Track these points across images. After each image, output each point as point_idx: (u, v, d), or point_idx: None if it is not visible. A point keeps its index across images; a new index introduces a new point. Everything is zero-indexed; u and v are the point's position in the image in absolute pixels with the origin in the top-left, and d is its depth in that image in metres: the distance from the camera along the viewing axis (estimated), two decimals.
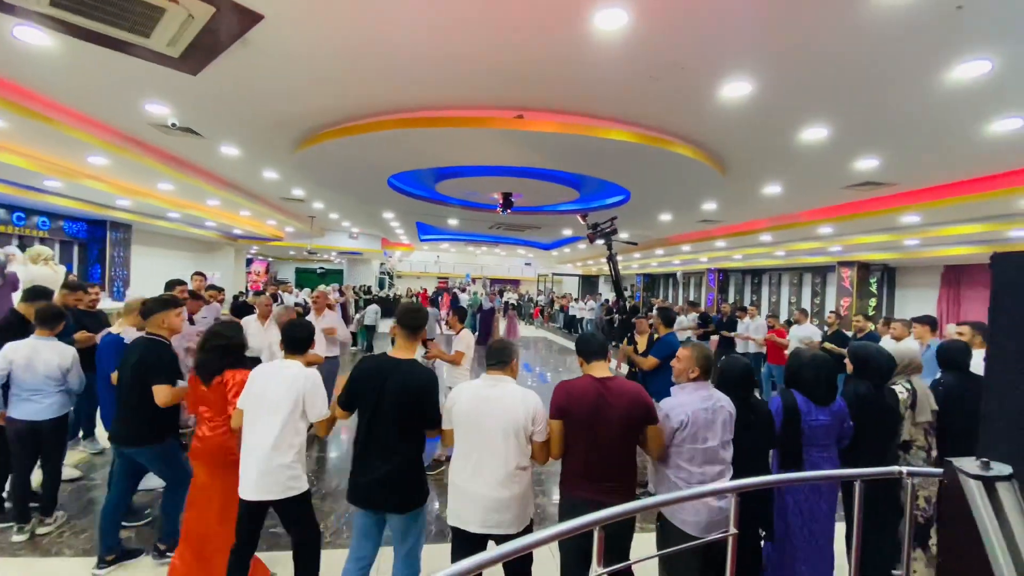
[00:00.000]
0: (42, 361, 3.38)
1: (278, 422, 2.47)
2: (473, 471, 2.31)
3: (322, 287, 10.95)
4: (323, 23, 3.39)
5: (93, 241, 11.77)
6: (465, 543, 2.31)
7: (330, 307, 5.99)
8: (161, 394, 2.96)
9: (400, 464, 2.38)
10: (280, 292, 11.93)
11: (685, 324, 10.45)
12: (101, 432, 4.70)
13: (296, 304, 11.82)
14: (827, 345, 6.84)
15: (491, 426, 2.31)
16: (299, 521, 2.57)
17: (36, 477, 3.59)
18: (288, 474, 2.47)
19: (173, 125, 5.63)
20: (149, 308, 3.18)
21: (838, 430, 2.76)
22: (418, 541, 2.51)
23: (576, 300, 21.15)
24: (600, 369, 2.48)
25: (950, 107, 4.13)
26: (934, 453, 3.02)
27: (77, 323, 4.33)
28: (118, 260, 12.17)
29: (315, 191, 9.75)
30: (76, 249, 11.64)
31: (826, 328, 8.13)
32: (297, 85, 4.47)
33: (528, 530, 2.37)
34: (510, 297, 23.40)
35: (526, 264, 28.80)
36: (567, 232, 13.91)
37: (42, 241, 10.31)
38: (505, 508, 2.27)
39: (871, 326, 6.73)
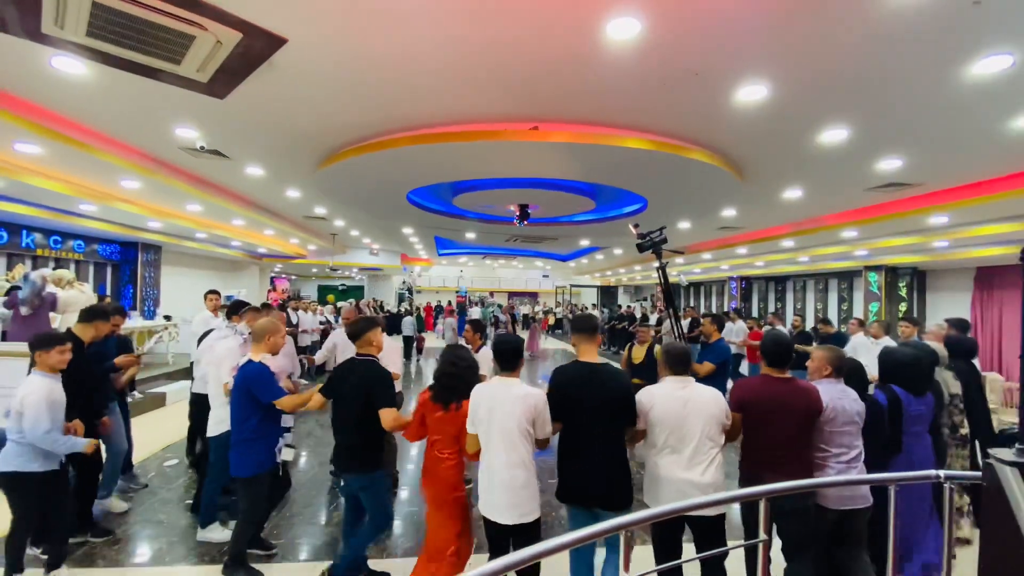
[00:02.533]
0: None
1: (515, 443, 2.54)
2: (687, 463, 2.60)
3: (346, 305, 11.11)
4: (343, 45, 3.52)
5: (125, 262, 12.20)
6: (670, 535, 2.66)
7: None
8: (389, 418, 2.97)
9: (613, 464, 2.65)
10: (290, 309, 11.30)
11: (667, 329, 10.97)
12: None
13: (320, 323, 11.97)
14: (797, 346, 7.48)
15: (696, 419, 2.61)
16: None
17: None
18: (526, 494, 2.56)
19: (202, 148, 5.84)
20: (360, 328, 3.21)
21: (929, 417, 3.23)
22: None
23: (584, 309, 21.10)
24: (784, 373, 2.88)
25: (974, 103, 4.05)
26: (963, 431, 3.76)
27: (118, 349, 4.40)
28: (149, 280, 12.57)
29: (336, 209, 9.97)
30: (109, 271, 12.07)
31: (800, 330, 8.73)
32: (319, 104, 4.61)
33: None
34: (526, 310, 23.32)
35: (544, 276, 28.80)
36: (584, 243, 13.90)
37: (77, 263, 10.73)
38: (702, 491, 2.54)
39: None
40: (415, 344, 15.09)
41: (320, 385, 3.29)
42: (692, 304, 22.55)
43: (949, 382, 3.85)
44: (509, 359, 2.73)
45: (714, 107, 4.37)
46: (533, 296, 30.55)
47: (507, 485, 2.54)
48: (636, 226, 5.04)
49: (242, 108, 4.62)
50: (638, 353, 5.87)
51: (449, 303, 23.88)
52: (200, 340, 4.70)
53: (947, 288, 12.47)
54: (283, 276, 26.25)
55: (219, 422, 3.71)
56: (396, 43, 3.49)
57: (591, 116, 4.71)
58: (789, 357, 2.91)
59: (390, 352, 4.94)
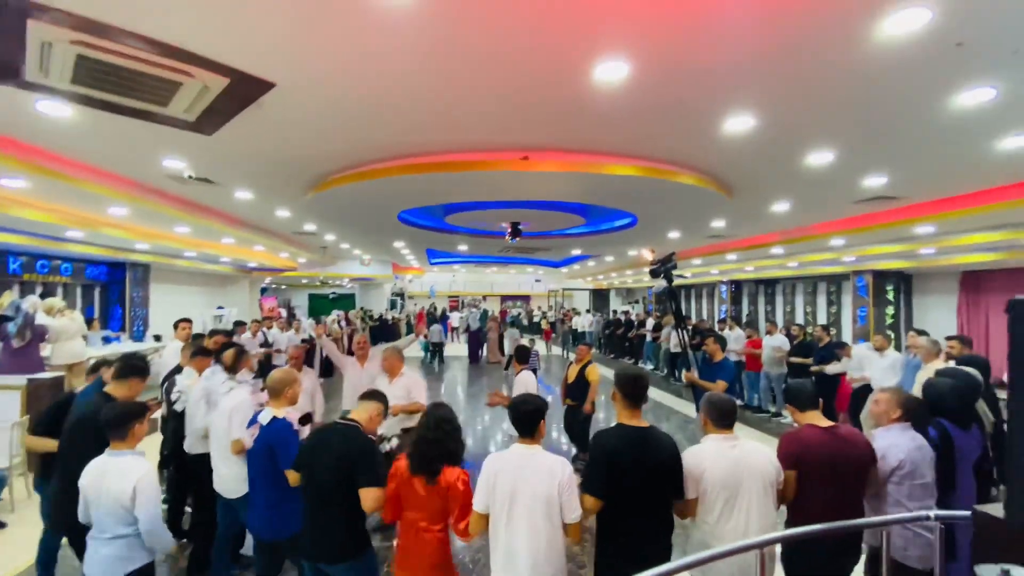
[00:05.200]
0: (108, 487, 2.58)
1: (541, 525, 2.18)
2: (744, 529, 2.37)
3: (331, 321, 10.64)
4: (330, 85, 3.51)
5: (113, 283, 12.03)
6: None
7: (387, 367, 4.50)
8: (370, 498, 2.46)
9: (665, 538, 2.41)
10: (264, 328, 9.48)
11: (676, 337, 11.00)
12: None
13: (303, 341, 11.42)
14: (792, 358, 8.02)
15: (752, 481, 2.41)
16: None
17: None
18: None
19: (189, 177, 5.79)
20: (369, 392, 2.82)
21: (978, 451, 2.93)
22: None
23: (579, 314, 21.02)
24: (817, 417, 2.66)
25: (958, 128, 4.12)
26: None
27: None
28: (137, 300, 12.41)
29: (327, 226, 9.91)
30: (97, 292, 11.91)
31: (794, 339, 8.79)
32: (308, 138, 4.59)
33: None
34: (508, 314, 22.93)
35: (536, 281, 28.86)
36: (576, 251, 13.95)
37: (64, 286, 10.57)
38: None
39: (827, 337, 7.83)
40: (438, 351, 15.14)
41: None
42: (683, 308, 22.68)
43: (986, 411, 3.51)
44: (528, 423, 2.34)
45: (703, 136, 4.40)
46: (526, 300, 30.57)
47: (535, 573, 2.18)
48: (653, 251, 5.18)
49: (231, 142, 4.59)
50: (572, 372, 5.67)
51: (423, 309, 23.62)
52: (169, 375, 4.30)
53: (934, 291, 12.63)
54: (272, 287, 26.05)
55: (239, 481, 3.28)
56: (384, 82, 3.48)
57: (581, 145, 4.73)
58: (816, 401, 2.73)
59: (415, 387, 4.50)
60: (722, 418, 2.52)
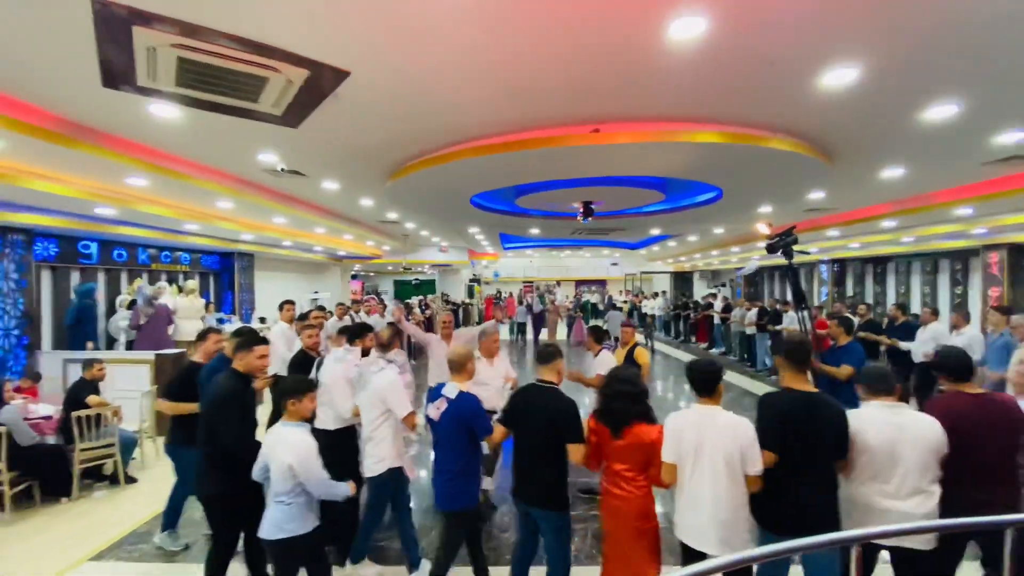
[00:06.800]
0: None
1: (724, 477, 2.46)
2: (894, 493, 2.53)
3: (394, 306, 10.78)
4: (401, 73, 3.59)
5: (224, 271, 13.40)
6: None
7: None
8: (577, 452, 2.87)
9: (831, 498, 2.60)
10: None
11: (748, 318, 11.66)
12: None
13: (389, 324, 11.97)
14: (862, 334, 7.28)
15: (907, 448, 2.53)
16: None
17: None
18: (740, 528, 2.49)
19: (282, 170, 6.26)
20: (549, 352, 3.10)
21: None
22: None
23: (647, 298, 20.31)
24: (973, 386, 2.75)
25: None
26: None
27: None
28: (244, 286, 13.75)
29: (406, 213, 10.31)
30: (212, 279, 13.32)
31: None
32: (382, 126, 4.76)
33: None
34: (575, 298, 22.54)
35: (612, 264, 28.08)
36: (654, 231, 13.38)
37: (184, 275, 11.91)
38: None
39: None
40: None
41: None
42: (775, 292, 21.11)
43: None
44: (707, 384, 2.63)
45: (795, 94, 4.00)
46: (602, 284, 29.95)
47: (719, 520, 2.45)
48: (770, 224, 4.89)
49: (314, 133, 4.87)
50: (620, 355, 5.32)
51: (489, 296, 23.80)
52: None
53: None
54: (361, 274, 27.68)
55: (379, 460, 3.54)
56: (452, 66, 3.50)
57: (656, 113, 4.48)
58: (972, 369, 2.78)
59: (509, 370, 4.68)
60: (880, 384, 2.67)
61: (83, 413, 4.97)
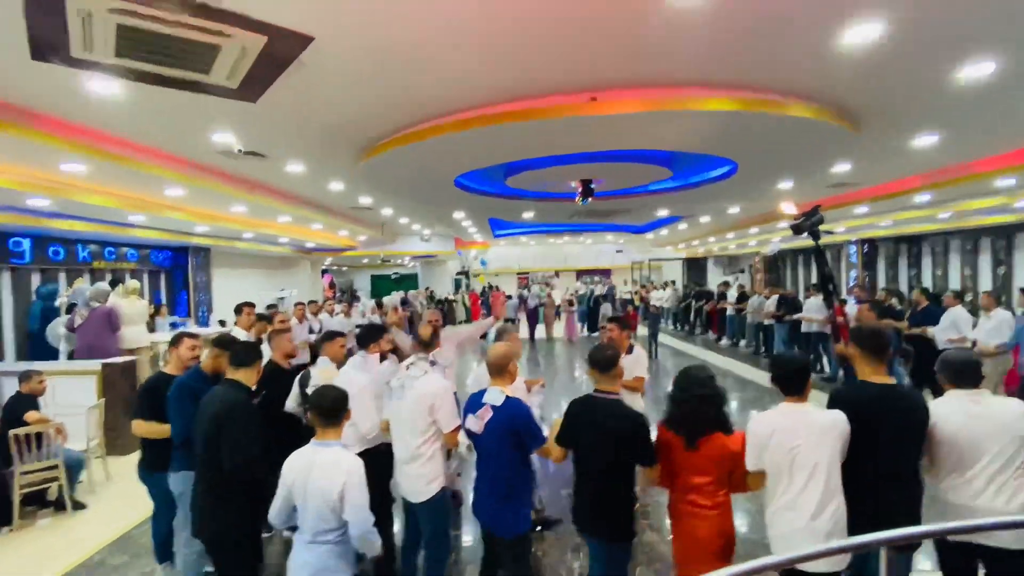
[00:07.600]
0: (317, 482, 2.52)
1: (821, 474, 2.46)
2: (982, 489, 2.55)
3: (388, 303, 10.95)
4: (371, 35, 3.59)
5: (177, 268, 13.35)
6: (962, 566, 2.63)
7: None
8: (650, 476, 2.85)
9: (915, 493, 2.65)
10: (309, 314, 8.89)
11: (767, 307, 11.90)
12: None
13: (357, 326, 11.73)
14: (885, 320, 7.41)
15: (991, 442, 2.54)
16: None
17: None
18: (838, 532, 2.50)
19: (240, 151, 6.24)
20: (608, 357, 2.93)
21: None
22: None
23: (655, 288, 20.36)
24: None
25: None
26: None
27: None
28: (201, 284, 13.69)
29: (382, 198, 10.30)
30: (163, 278, 13.25)
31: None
32: (354, 97, 4.76)
33: None
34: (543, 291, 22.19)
35: (617, 251, 28.13)
36: (662, 212, 13.44)
37: (132, 273, 11.84)
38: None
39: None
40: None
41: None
42: (799, 279, 21.30)
43: None
44: (796, 381, 2.61)
45: (814, 55, 4.04)
46: (606, 274, 30.01)
47: (824, 532, 2.42)
48: (797, 203, 4.92)
49: (276, 108, 4.86)
50: None
51: (473, 291, 23.66)
52: (303, 367, 4.19)
53: None
54: (334, 268, 27.62)
55: (430, 480, 3.29)
56: (426, 24, 3.50)
57: (660, 78, 4.51)
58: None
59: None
60: (962, 376, 2.67)
61: (22, 431, 4.95)
